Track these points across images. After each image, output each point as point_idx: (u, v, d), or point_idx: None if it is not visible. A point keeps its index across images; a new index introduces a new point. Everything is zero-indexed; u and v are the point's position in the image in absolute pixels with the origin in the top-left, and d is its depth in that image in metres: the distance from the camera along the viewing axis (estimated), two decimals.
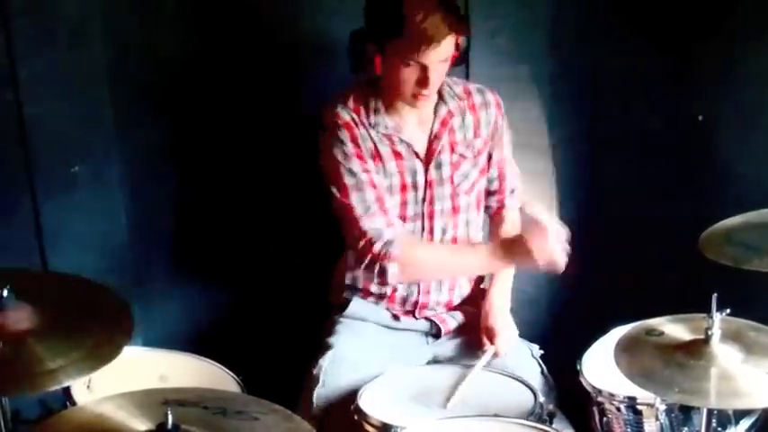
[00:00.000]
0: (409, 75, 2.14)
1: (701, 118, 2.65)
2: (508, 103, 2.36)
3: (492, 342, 2.27)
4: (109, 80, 2.47)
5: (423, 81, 2.14)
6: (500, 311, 2.33)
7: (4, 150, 2.43)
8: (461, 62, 2.26)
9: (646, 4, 2.65)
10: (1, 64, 2.35)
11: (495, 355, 2.25)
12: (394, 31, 2.07)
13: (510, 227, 2.44)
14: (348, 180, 2.19)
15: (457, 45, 2.16)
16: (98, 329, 1.77)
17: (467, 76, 2.51)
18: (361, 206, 2.18)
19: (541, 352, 2.33)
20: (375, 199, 2.19)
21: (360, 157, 2.20)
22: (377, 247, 2.15)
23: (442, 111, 2.28)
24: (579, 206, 2.84)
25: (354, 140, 2.20)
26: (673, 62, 2.65)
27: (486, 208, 2.45)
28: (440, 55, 2.11)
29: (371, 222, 2.17)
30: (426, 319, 2.37)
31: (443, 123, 2.27)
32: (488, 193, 2.42)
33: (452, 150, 2.29)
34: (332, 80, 2.47)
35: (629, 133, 2.75)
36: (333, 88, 2.38)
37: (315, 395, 2.15)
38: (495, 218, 2.47)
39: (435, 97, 2.26)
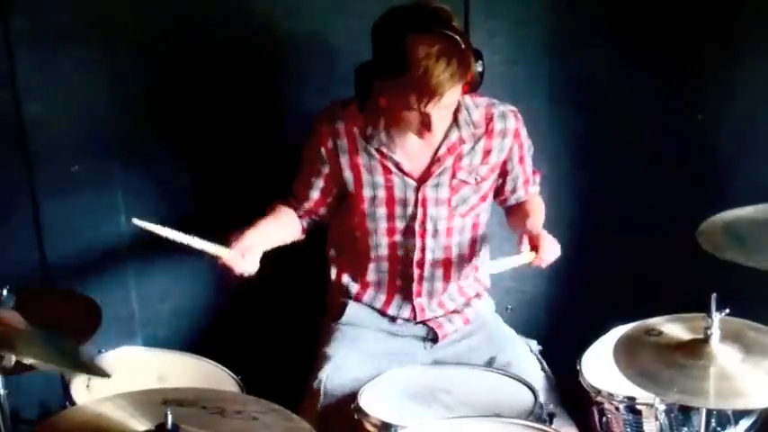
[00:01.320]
0: (413, 119, 2.10)
1: (700, 117, 2.65)
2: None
3: (534, 247, 2.16)
4: (109, 80, 2.47)
5: (426, 126, 2.10)
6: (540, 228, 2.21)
7: (4, 150, 2.44)
8: (476, 88, 2.18)
9: (645, 3, 2.65)
10: (1, 64, 2.35)
11: (536, 261, 2.16)
12: (397, 77, 2.02)
13: (533, 201, 2.38)
14: (303, 166, 2.33)
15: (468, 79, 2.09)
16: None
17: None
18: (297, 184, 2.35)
19: (540, 348, 2.33)
20: (299, 188, 2.34)
21: (315, 160, 2.27)
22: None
23: (453, 136, 2.22)
24: (579, 206, 2.84)
25: (326, 146, 2.24)
26: (672, 62, 2.65)
27: (506, 202, 2.39)
28: (443, 104, 2.06)
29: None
30: (423, 323, 2.36)
31: (450, 150, 2.23)
32: (514, 198, 2.37)
33: (454, 175, 2.25)
34: (333, 80, 2.48)
35: (629, 133, 2.75)
36: (334, 88, 2.38)
37: (318, 408, 2.14)
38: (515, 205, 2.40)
39: (449, 121, 2.20)
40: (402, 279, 2.33)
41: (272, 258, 2.60)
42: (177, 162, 2.61)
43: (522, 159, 2.33)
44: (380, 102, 2.13)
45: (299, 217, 2.35)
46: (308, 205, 2.34)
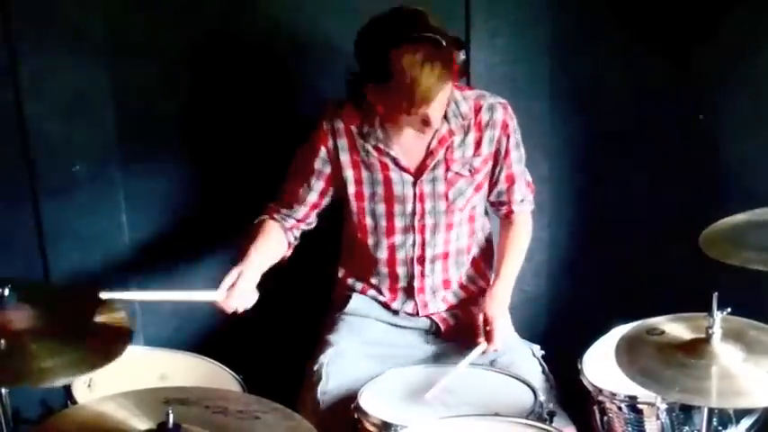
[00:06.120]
0: (410, 121, 2.14)
1: (701, 117, 2.65)
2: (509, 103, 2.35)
3: (487, 333, 2.21)
4: (109, 80, 2.47)
5: (426, 123, 2.13)
6: (500, 305, 2.29)
7: (5, 150, 2.44)
8: (462, 76, 2.22)
9: (646, 3, 2.65)
10: (1, 64, 2.35)
11: (485, 352, 2.21)
12: (387, 83, 2.05)
13: (518, 230, 2.41)
14: (299, 169, 2.32)
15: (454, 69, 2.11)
16: (96, 335, 1.79)
17: (467, 76, 2.51)
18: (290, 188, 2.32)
19: (542, 352, 2.33)
20: (292, 192, 2.31)
21: (315, 161, 2.27)
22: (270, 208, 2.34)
23: (443, 129, 2.24)
24: (580, 206, 2.85)
25: (326, 145, 2.26)
26: (673, 61, 2.65)
27: (496, 210, 2.43)
28: (438, 102, 2.09)
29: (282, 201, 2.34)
30: (427, 317, 2.37)
31: (441, 142, 2.25)
32: (498, 202, 2.40)
33: (448, 168, 2.26)
34: (332, 82, 2.47)
35: (630, 133, 2.75)
36: (332, 90, 2.38)
37: (318, 392, 2.15)
38: (504, 220, 2.44)
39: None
40: (404, 278, 2.33)
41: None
42: (177, 162, 2.61)
43: (507, 153, 2.31)
44: (378, 109, 2.17)
45: (287, 230, 2.32)
46: (300, 212, 2.32)
